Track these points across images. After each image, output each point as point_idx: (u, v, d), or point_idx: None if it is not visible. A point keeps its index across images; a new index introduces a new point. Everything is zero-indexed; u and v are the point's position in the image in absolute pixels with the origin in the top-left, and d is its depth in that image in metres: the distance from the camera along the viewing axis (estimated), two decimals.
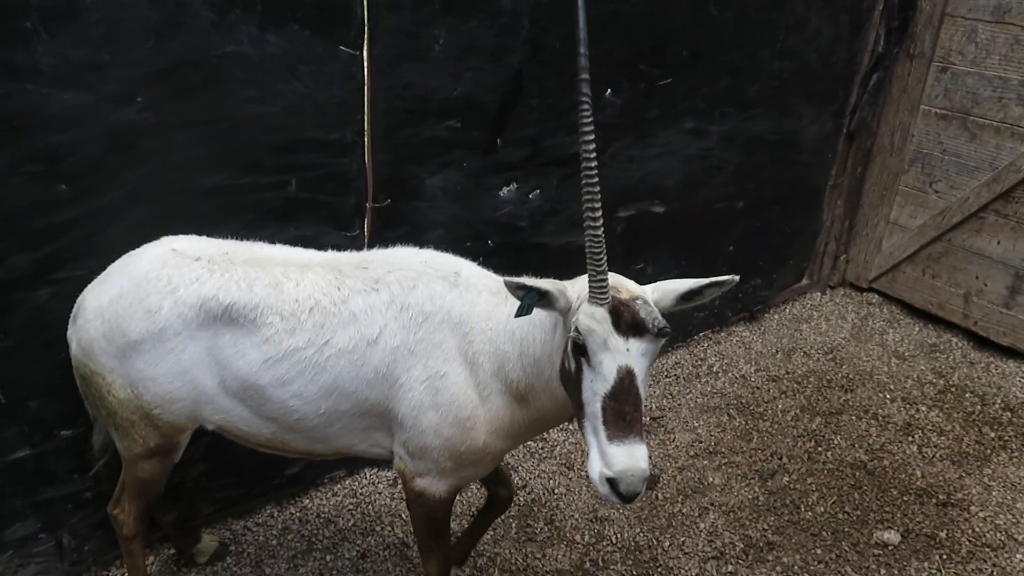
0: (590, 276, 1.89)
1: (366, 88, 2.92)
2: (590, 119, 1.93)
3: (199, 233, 2.73)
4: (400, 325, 2.20)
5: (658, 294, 2.06)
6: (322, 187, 2.98)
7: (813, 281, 5.55)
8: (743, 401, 4.32)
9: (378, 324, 2.21)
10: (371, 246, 3.18)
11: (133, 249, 2.40)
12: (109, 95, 2.43)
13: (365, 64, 2.88)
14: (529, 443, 3.89)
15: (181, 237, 2.43)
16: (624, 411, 1.88)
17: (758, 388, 4.46)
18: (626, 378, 1.89)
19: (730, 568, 3.25)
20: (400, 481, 2.42)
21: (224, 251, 2.33)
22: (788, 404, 4.33)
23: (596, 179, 1.92)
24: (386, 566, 3.17)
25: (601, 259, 1.87)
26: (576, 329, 1.91)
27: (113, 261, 2.39)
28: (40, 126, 2.35)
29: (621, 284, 2.00)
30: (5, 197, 2.37)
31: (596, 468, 1.90)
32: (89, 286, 2.35)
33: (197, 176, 2.71)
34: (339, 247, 3.08)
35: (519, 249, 3.72)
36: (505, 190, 3.55)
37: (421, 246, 3.35)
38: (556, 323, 2.11)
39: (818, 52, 4.53)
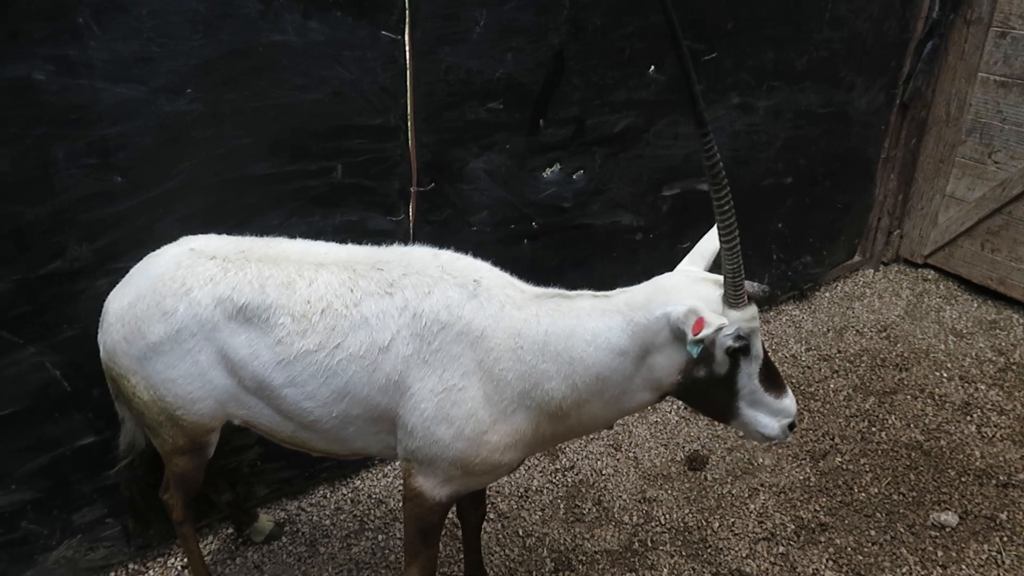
0: (735, 286, 1.97)
1: (408, 72, 2.93)
2: (713, 147, 1.86)
3: (247, 222, 2.79)
4: (413, 333, 2.13)
5: (704, 261, 2.22)
6: (367, 172, 3.01)
7: (865, 258, 5.43)
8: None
9: (390, 330, 2.14)
10: (416, 230, 3.20)
11: (185, 237, 2.45)
12: (160, 87, 2.48)
13: (407, 48, 2.89)
14: None
15: (200, 236, 2.43)
16: (775, 371, 2.14)
17: (809, 368, 4.39)
18: (763, 346, 2.10)
19: (781, 549, 3.22)
20: (403, 477, 2.37)
21: (240, 249, 2.31)
22: (840, 384, 4.25)
23: (729, 199, 1.92)
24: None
25: (741, 268, 1.95)
26: (739, 336, 2.00)
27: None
28: (95, 119, 2.41)
29: (708, 275, 2.13)
30: (65, 189, 2.44)
31: (774, 426, 2.13)
32: (114, 289, 2.38)
33: (245, 165, 2.76)
34: (385, 231, 3.12)
35: (563, 230, 3.71)
36: (549, 171, 3.53)
37: (466, 229, 3.37)
38: (644, 343, 2.05)
39: (869, 20, 4.39)
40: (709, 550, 3.22)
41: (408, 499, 2.33)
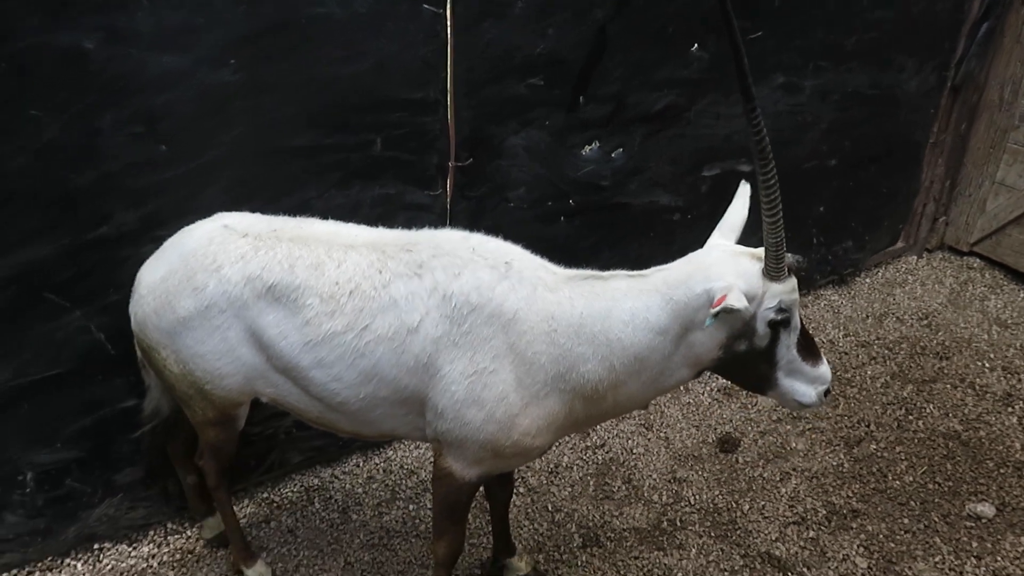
0: (776, 259, 1.97)
1: (449, 46, 2.92)
2: (760, 121, 1.83)
3: (287, 194, 2.82)
4: (443, 315, 2.11)
5: (734, 234, 2.21)
6: (406, 146, 3.02)
7: (909, 244, 5.31)
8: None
9: (419, 312, 2.12)
10: (453, 205, 3.21)
11: (228, 209, 2.49)
12: (204, 58, 2.51)
13: (448, 22, 2.88)
14: None
15: (234, 213, 2.44)
16: (811, 339, 2.16)
17: (846, 353, 4.32)
18: (801, 316, 2.11)
19: (811, 534, 3.20)
20: (433, 456, 2.39)
21: (273, 228, 2.31)
22: (878, 371, 4.18)
23: (774, 173, 1.89)
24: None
25: (783, 242, 1.94)
26: (781, 309, 2.01)
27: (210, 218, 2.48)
28: (141, 88, 2.45)
29: (745, 249, 2.12)
30: (112, 156, 2.49)
31: (811, 393, 2.16)
32: (147, 261, 2.41)
33: (286, 136, 2.78)
34: (422, 205, 3.14)
35: (601, 208, 3.69)
36: (587, 148, 3.51)
37: (503, 204, 3.35)
38: (685, 320, 2.05)
39: (922, 0, 4.26)
40: (738, 532, 3.21)
41: (437, 478, 2.35)
